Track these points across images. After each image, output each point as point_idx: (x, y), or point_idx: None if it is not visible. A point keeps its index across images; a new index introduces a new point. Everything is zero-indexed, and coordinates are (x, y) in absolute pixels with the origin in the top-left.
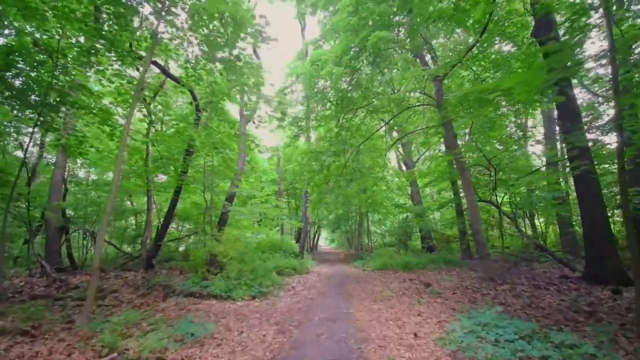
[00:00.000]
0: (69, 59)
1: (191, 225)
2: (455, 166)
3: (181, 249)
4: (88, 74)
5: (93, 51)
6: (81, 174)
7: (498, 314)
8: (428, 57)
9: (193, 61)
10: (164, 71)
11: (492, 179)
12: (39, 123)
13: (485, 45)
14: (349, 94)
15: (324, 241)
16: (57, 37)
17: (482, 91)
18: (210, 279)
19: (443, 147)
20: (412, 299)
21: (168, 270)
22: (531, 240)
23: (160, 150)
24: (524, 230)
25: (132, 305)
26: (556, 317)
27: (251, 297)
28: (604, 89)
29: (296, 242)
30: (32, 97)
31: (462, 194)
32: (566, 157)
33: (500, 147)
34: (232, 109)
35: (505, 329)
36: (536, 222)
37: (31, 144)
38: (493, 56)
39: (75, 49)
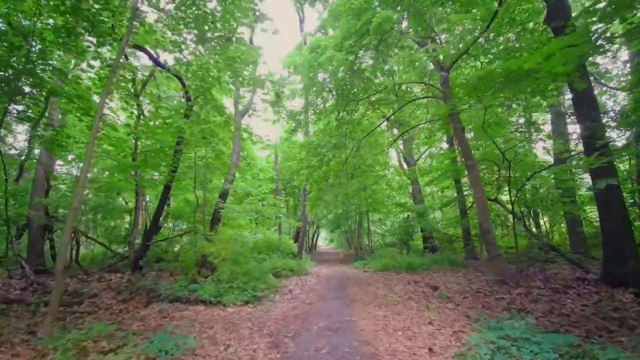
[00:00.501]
0: (47, 42)
1: (186, 225)
2: (460, 163)
3: (177, 249)
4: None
5: (71, 32)
6: (75, 171)
7: (526, 326)
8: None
9: (180, 42)
10: (147, 52)
11: (499, 176)
12: (8, 111)
13: (493, 34)
14: (349, 85)
15: (323, 241)
16: (34, 19)
17: (511, 70)
18: (200, 282)
19: (445, 145)
20: (420, 304)
21: (157, 272)
22: (540, 240)
23: (149, 144)
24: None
25: (110, 313)
26: (586, 326)
27: (244, 302)
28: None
29: (294, 242)
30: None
31: (466, 193)
32: (572, 152)
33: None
34: (227, 104)
35: (540, 345)
36: (540, 221)
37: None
38: (502, 46)
39: (52, 30)
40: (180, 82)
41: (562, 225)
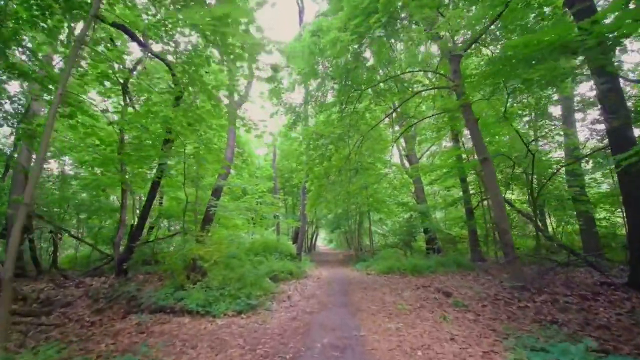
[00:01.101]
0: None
1: (180, 224)
2: (466, 160)
3: (172, 249)
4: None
5: (44, 9)
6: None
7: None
8: (443, 34)
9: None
10: (125, 30)
11: (512, 172)
12: None
13: (508, 20)
14: (353, 72)
15: (322, 241)
16: None
17: (530, 44)
18: (188, 289)
19: (446, 144)
20: (435, 314)
21: (145, 276)
22: (557, 241)
23: (136, 136)
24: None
25: (80, 326)
26: (633, 340)
27: (236, 312)
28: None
29: (293, 243)
30: None
31: (472, 191)
32: (586, 148)
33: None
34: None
35: None
36: (546, 221)
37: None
38: (516, 35)
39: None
40: (168, 68)
41: (569, 225)
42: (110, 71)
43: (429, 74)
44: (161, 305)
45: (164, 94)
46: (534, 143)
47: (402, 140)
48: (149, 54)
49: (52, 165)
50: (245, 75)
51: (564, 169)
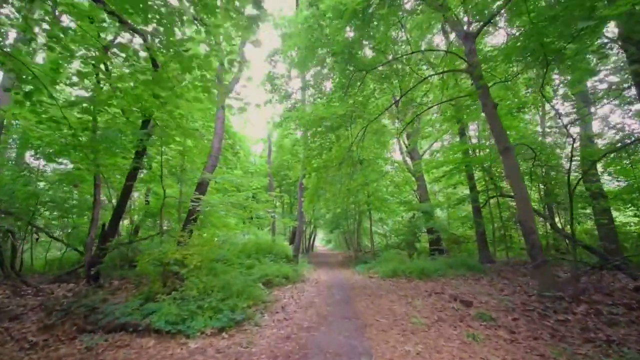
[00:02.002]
0: None
1: (167, 223)
2: (474, 155)
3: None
4: None
5: None
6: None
7: None
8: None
9: None
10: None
11: (533, 164)
12: None
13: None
14: (357, 48)
15: (320, 242)
16: None
17: None
18: (160, 300)
19: (450, 140)
20: (460, 332)
21: (120, 283)
22: (580, 242)
23: (107, 120)
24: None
25: (20, 347)
26: None
27: (216, 330)
28: None
29: (290, 244)
30: None
31: (480, 189)
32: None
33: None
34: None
35: None
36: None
37: None
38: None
39: None
40: (142, 39)
41: (579, 224)
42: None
43: (436, 60)
44: (124, 322)
45: (138, 72)
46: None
47: (404, 135)
48: (127, 28)
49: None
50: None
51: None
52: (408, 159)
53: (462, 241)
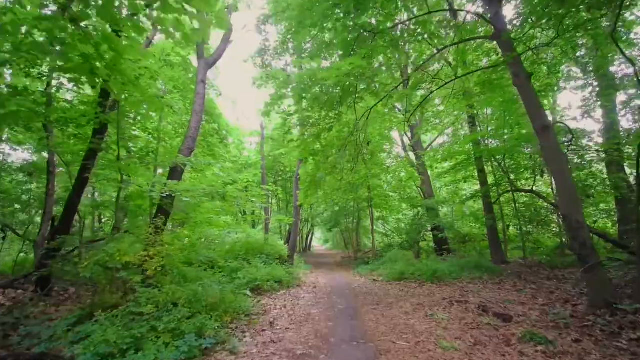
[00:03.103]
0: None
1: (143, 219)
2: (484, 146)
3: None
4: None
5: None
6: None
7: None
8: None
9: None
10: None
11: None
12: None
13: None
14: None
15: (318, 242)
16: None
17: None
18: (100, 319)
19: (452, 136)
20: None
21: (76, 290)
22: (614, 240)
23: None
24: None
25: None
26: None
27: None
28: None
29: (286, 243)
30: None
31: (486, 184)
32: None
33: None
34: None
35: None
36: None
37: None
38: None
39: None
40: None
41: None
42: None
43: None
44: (41, 353)
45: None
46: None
47: (407, 128)
48: None
49: None
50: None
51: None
52: (411, 154)
53: (469, 240)
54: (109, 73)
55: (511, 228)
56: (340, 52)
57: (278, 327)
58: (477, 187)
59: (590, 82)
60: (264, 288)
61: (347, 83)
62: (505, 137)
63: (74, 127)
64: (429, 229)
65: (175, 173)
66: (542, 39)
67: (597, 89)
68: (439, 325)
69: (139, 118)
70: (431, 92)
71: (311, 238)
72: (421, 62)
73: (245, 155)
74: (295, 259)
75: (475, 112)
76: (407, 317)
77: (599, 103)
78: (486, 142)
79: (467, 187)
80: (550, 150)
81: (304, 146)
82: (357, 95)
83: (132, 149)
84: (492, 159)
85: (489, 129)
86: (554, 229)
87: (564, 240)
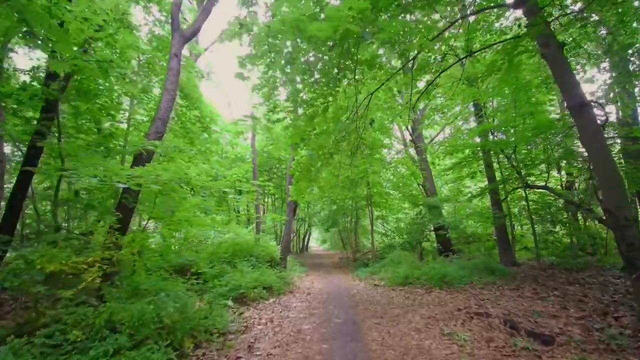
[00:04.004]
0: None
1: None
2: (495, 137)
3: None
4: None
5: None
6: None
7: None
8: None
9: None
10: None
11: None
12: None
13: None
14: None
15: (315, 242)
16: None
17: None
18: (10, 343)
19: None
20: None
21: (30, 302)
22: None
23: None
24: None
25: None
26: None
27: None
28: None
29: (280, 245)
30: None
31: (494, 180)
32: None
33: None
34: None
35: None
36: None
37: None
38: None
39: None
40: None
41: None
42: None
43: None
44: None
45: None
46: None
47: (409, 120)
48: None
49: None
50: None
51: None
52: (412, 150)
53: (473, 240)
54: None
55: (517, 227)
56: None
57: (258, 353)
58: (483, 184)
59: (611, 63)
60: (250, 296)
61: (346, 44)
62: (519, 127)
63: (14, 102)
64: (432, 228)
65: (139, 161)
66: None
67: (618, 72)
68: (462, 349)
69: (104, 101)
70: (441, 72)
71: (308, 238)
72: (432, 37)
73: (236, 151)
74: (288, 261)
75: (482, 103)
76: (419, 335)
77: (617, 89)
78: (495, 135)
79: (471, 184)
80: (589, 132)
81: (295, 131)
82: (357, 60)
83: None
84: (501, 153)
85: (496, 122)
86: (564, 229)
87: (573, 240)
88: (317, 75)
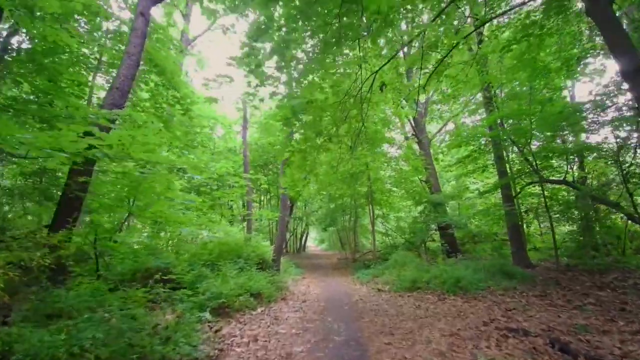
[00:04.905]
0: None
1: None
2: (509, 127)
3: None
4: None
5: None
6: None
7: None
8: None
9: None
10: None
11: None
12: None
13: None
14: None
15: (313, 242)
16: None
17: None
18: None
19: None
20: None
21: None
22: None
23: None
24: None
25: None
26: None
27: None
28: None
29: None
30: None
31: (506, 174)
32: None
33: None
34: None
35: None
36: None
37: None
38: None
39: None
40: None
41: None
42: None
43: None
44: None
45: None
46: None
47: (411, 115)
48: None
49: None
50: None
51: None
52: (415, 147)
53: (480, 240)
54: None
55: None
56: None
57: None
58: (491, 180)
59: None
60: (234, 306)
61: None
62: (535, 115)
63: None
64: (436, 228)
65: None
66: None
67: None
68: None
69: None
70: (453, 47)
71: (306, 238)
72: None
73: (229, 145)
74: (282, 262)
75: (493, 91)
76: None
77: None
78: (504, 125)
79: (476, 182)
80: None
81: (287, 104)
82: (363, 17)
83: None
84: (513, 145)
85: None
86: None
87: (597, 238)
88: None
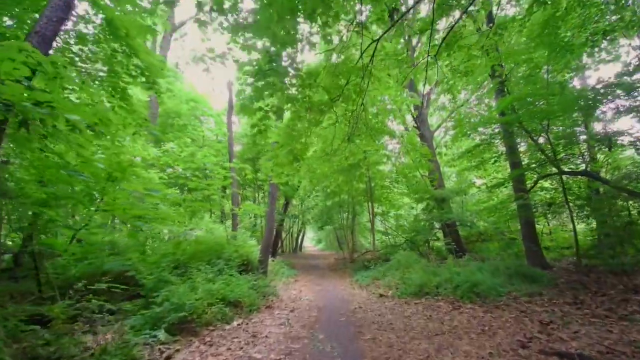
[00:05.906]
0: None
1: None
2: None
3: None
4: None
5: None
6: None
7: None
8: None
9: None
10: None
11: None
12: None
13: None
14: None
15: (310, 242)
16: None
17: None
18: None
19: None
20: None
21: None
22: None
23: None
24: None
25: None
26: None
27: None
28: None
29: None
30: None
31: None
32: None
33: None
34: None
35: None
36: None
37: None
38: None
39: None
40: None
41: None
42: None
43: None
44: None
45: None
46: None
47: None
48: None
49: None
50: None
51: None
52: (417, 138)
53: (485, 239)
54: None
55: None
56: None
57: None
58: (499, 174)
59: None
60: (202, 320)
61: None
62: (555, 97)
63: None
64: (439, 226)
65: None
66: None
67: None
68: None
69: None
70: (465, 10)
71: (302, 237)
72: None
73: (218, 140)
74: (271, 264)
75: (505, 74)
76: None
77: None
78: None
79: (480, 178)
80: None
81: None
82: None
83: None
84: (527, 134)
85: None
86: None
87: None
88: None
